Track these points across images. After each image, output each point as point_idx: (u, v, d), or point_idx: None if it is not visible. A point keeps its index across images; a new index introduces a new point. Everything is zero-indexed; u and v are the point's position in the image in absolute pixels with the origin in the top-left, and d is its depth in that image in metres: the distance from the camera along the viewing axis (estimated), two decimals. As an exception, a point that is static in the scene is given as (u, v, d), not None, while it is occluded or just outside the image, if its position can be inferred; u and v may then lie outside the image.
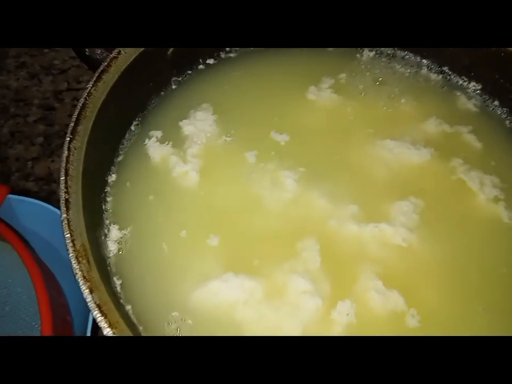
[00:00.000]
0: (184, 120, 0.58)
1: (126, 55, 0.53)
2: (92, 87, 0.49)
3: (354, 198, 0.53)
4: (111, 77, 0.51)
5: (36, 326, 0.55)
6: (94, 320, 0.39)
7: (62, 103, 0.85)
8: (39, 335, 0.49)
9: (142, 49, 0.54)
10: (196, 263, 0.48)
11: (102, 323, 0.37)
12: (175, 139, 0.57)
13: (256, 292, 0.46)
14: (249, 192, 0.53)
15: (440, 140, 0.60)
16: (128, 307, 0.45)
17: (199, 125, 0.57)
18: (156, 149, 0.55)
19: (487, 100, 0.65)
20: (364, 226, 0.51)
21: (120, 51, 0.52)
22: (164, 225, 0.50)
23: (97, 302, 0.38)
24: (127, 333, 0.37)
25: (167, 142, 0.56)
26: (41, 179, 0.79)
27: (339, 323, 0.45)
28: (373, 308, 0.46)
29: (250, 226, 0.51)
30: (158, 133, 0.57)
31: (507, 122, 0.63)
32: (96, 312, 0.37)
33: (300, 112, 0.61)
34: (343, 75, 0.65)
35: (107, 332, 0.36)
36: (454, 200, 0.55)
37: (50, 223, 0.58)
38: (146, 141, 0.57)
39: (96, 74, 0.50)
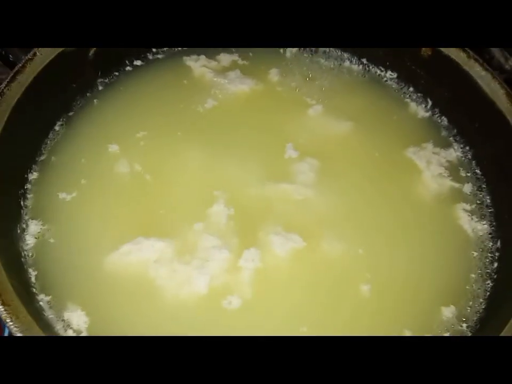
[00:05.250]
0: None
1: (42, 56, 0.54)
2: (5, 87, 0.51)
3: (260, 164, 0.58)
4: (26, 78, 0.53)
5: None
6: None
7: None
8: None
9: (60, 50, 0.56)
10: (108, 233, 0.52)
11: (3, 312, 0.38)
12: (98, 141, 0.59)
13: (167, 251, 0.51)
14: (158, 166, 0.57)
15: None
16: (42, 296, 0.47)
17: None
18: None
19: (403, 87, 0.68)
20: (267, 186, 0.56)
21: (35, 52, 0.54)
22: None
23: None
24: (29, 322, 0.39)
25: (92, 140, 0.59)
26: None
27: (246, 269, 0.51)
28: (275, 250, 0.52)
29: (160, 196, 0.55)
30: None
31: (423, 106, 0.67)
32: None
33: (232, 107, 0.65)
34: (275, 76, 0.68)
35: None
36: (349, 161, 0.61)
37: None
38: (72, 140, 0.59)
39: (11, 74, 0.52)
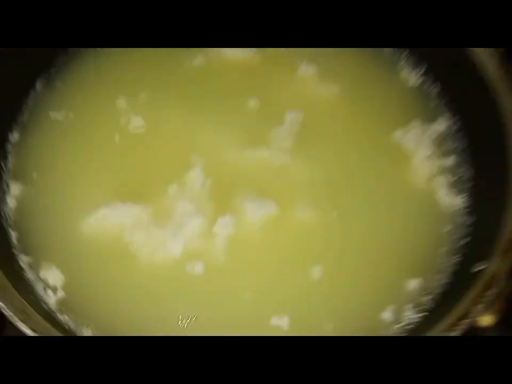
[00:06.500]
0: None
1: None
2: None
3: (239, 128, 0.58)
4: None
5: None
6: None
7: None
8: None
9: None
10: (85, 196, 0.53)
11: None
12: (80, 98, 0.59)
13: (143, 216, 0.52)
14: (136, 127, 0.57)
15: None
16: (22, 257, 0.50)
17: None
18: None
19: (396, 50, 0.65)
20: (245, 152, 0.56)
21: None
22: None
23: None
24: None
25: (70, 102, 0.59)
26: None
27: (220, 235, 0.52)
28: (249, 217, 0.53)
29: (135, 160, 0.56)
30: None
31: (415, 72, 0.64)
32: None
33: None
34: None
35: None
36: (331, 129, 0.59)
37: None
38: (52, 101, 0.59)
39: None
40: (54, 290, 0.48)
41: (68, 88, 0.60)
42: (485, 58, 0.54)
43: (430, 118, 0.61)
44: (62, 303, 0.48)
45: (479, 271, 0.46)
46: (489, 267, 0.45)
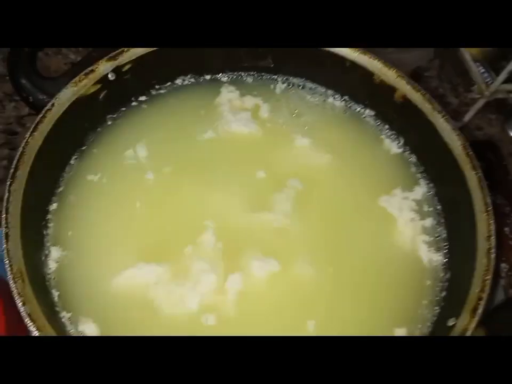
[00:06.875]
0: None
1: (59, 106, 0.64)
2: (29, 137, 0.60)
3: (245, 195, 0.67)
4: (45, 127, 0.62)
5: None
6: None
7: (24, 127, 0.95)
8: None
9: (75, 99, 0.65)
10: (113, 259, 0.62)
11: (31, 327, 0.49)
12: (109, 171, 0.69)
13: (165, 275, 0.61)
14: (154, 195, 0.67)
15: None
16: (63, 313, 0.58)
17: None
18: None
19: (380, 124, 0.76)
20: (251, 216, 0.66)
21: (54, 103, 0.63)
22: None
23: (28, 312, 0.50)
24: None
25: (101, 174, 0.68)
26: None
27: (231, 291, 0.60)
28: (255, 274, 0.61)
29: (156, 224, 0.65)
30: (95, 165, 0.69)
31: (396, 143, 0.75)
32: (27, 319, 0.49)
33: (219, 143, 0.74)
34: (264, 110, 0.76)
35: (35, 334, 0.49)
36: (325, 193, 0.69)
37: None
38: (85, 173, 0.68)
39: (33, 125, 0.61)
40: (91, 342, 0.56)
41: (104, 155, 0.70)
42: (453, 138, 0.65)
43: (410, 184, 0.71)
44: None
45: (453, 325, 0.54)
46: (460, 322, 0.53)
